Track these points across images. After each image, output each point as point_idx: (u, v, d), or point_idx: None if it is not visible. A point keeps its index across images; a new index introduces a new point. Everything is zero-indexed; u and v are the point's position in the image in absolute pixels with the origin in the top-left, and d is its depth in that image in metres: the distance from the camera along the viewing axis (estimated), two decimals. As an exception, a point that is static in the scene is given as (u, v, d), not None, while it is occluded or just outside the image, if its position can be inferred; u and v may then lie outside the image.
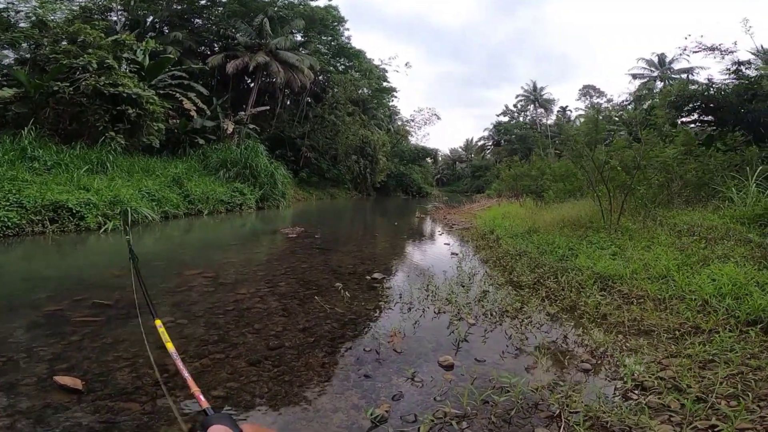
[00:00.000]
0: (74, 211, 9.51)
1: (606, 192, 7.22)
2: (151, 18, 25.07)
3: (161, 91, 19.46)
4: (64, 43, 15.60)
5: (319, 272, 5.83)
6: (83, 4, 22.99)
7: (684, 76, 33.82)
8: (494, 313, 4.12)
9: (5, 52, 17.07)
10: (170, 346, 1.53)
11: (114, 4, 24.28)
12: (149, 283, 4.77)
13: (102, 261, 6.75)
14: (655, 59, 38.16)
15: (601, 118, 8.70)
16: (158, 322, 1.79)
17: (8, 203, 9.11)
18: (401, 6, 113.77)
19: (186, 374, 1.34)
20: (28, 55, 17.43)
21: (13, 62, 17.04)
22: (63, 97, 14.08)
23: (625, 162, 6.75)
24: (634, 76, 39.41)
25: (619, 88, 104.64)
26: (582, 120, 56.44)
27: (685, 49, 14.67)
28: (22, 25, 16.78)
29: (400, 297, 4.62)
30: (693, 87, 12.15)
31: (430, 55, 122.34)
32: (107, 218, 9.91)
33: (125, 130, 15.45)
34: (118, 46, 17.07)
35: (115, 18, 24.56)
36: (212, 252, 7.37)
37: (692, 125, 12.44)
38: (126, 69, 17.25)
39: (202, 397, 1.17)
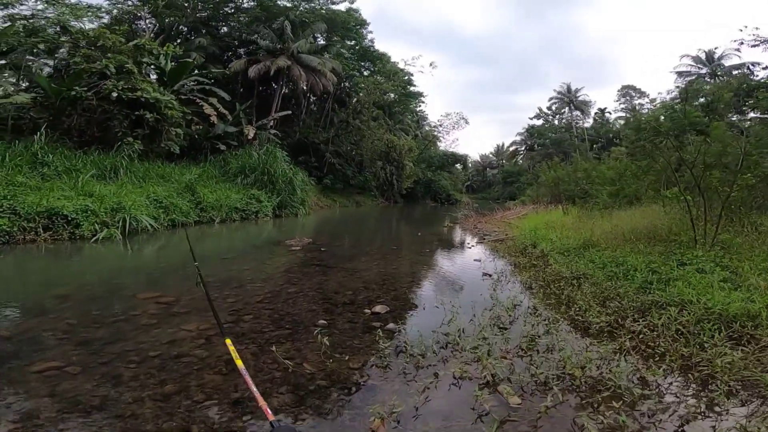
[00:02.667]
0: (69, 219, 8.84)
1: (696, 195, 5.42)
2: (176, 25, 25.15)
3: (183, 97, 19.25)
4: (85, 48, 15.49)
5: (307, 301, 4.47)
6: (115, 15, 23.62)
7: (735, 72, 31.05)
8: (551, 382, 2.57)
9: (29, 58, 17.28)
10: (239, 363, 1.69)
11: (142, 13, 24.68)
12: (86, 309, 3.71)
13: (53, 278, 5.72)
14: (703, 56, 35.08)
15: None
16: (228, 341, 1.90)
17: (0, 209, 8.56)
18: (427, 14, 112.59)
19: (254, 389, 1.49)
20: (50, 62, 17.55)
21: (38, 68, 17.13)
22: (82, 103, 13.91)
23: (726, 154, 4.94)
24: (680, 74, 36.46)
25: (660, 88, 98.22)
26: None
27: (742, 43, 12.63)
28: (49, 31, 16.89)
29: (406, 347, 3.13)
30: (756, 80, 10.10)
31: (457, 62, 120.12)
32: (106, 226, 9.14)
33: (144, 136, 15.19)
34: (139, 51, 16.91)
35: (143, 25, 24.99)
36: (190, 269, 6.15)
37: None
38: (147, 74, 17.09)
39: (269, 410, 1.34)
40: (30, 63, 16.75)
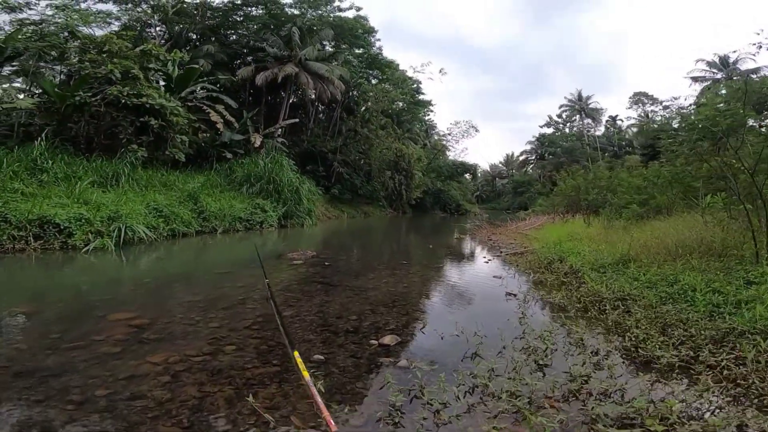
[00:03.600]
0: (62, 227, 8.39)
1: (751, 203, 4.68)
2: (185, 32, 25.17)
3: (189, 104, 19.05)
4: (91, 53, 15.38)
5: (303, 328, 3.79)
6: (125, 22, 23.77)
7: (754, 77, 30.34)
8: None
9: (41, 64, 17.24)
10: (306, 374, 1.90)
11: (152, 20, 24.80)
12: (45, 330, 3.59)
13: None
14: (717, 60, 34.27)
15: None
16: (296, 353, 2.23)
17: (-12, 217, 8.17)
18: (436, 25, 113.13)
19: (318, 399, 1.60)
20: (58, 67, 17.47)
21: (50, 75, 17.04)
22: (89, 109, 13.69)
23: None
24: (695, 79, 35.64)
25: (672, 94, 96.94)
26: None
27: (760, 47, 11.89)
28: (57, 36, 16.83)
29: (422, 391, 2.43)
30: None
31: (465, 72, 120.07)
32: (100, 235, 8.66)
33: (149, 143, 14.93)
34: (145, 57, 16.76)
35: (153, 33, 25.09)
36: (178, 285, 5.60)
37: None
38: (155, 80, 16.91)
39: (332, 420, 1.43)
40: (41, 69, 16.73)
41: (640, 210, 8.27)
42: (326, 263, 7.46)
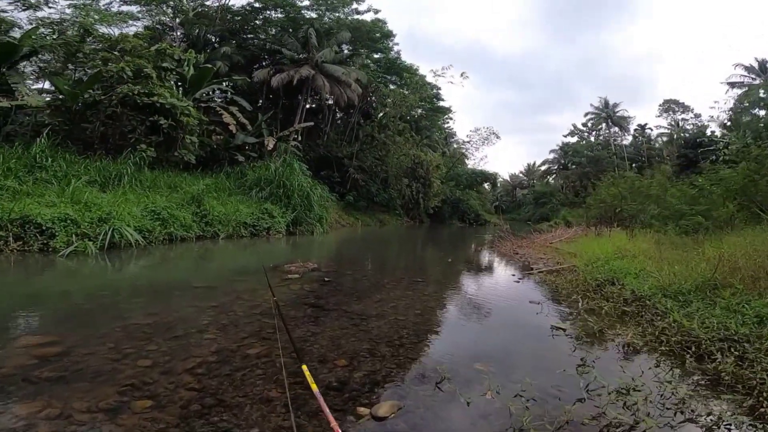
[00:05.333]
0: (44, 228, 7.71)
1: None
2: (204, 34, 25.05)
3: (203, 105, 18.71)
4: (105, 51, 15.23)
5: (265, 379, 2.65)
6: (146, 24, 23.91)
7: None
8: None
9: (57, 64, 17.19)
10: (315, 388, 1.84)
11: (173, 23, 24.84)
12: None
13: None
14: (756, 65, 32.37)
15: None
16: (304, 367, 2.10)
17: (-32, 216, 7.58)
18: (456, 37, 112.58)
19: (328, 412, 1.58)
20: (71, 66, 17.35)
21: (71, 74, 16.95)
22: (102, 108, 13.30)
23: None
24: (732, 85, 33.80)
25: (705, 103, 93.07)
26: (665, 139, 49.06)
27: None
28: (70, 33, 16.77)
29: None
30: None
31: (487, 83, 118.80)
32: (88, 238, 7.97)
33: (158, 143, 14.57)
34: (160, 56, 16.57)
35: (174, 36, 25.13)
36: (138, 302, 4.66)
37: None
38: (174, 81, 16.62)
39: (339, 429, 1.44)
40: (58, 68, 16.68)
41: (706, 223, 6.95)
42: (326, 279, 6.38)
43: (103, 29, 18.29)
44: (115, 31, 19.15)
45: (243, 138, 19.70)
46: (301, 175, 16.10)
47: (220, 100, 22.96)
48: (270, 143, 19.75)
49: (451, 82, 34.51)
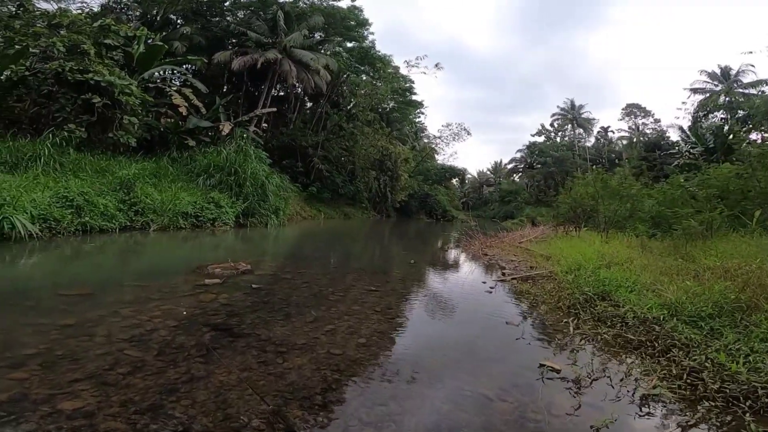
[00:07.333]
0: None
1: None
2: (161, 13, 22.77)
3: (151, 85, 16.87)
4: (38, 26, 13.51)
5: None
6: (104, 2, 21.59)
7: (753, 90, 30.06)
8: None
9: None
10: None
11: (129, 1, 22.40)
12: None
13: None
14: (719, 72, 33.97)
15: None
16: None
17: None
18: (437, 33, 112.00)
19: None
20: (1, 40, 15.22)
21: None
22: (26, 84, 12.10)
23: None
24: (694, 91, 35.35)
25: (664, 107, 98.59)
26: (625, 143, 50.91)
27: None
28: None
29: None
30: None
31: (461, 82, 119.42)
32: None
33: (92, 124, 13.00)
34: (103, 32, 14.90)
35: (131, 15, 22.75)
36: None
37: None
38: (117, 58, 14.91)
39: None
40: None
41: (699, 228, 6.45)
42: (254, 286, 5.13)
43: (45, 5, 16.09)
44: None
45: (196, 122, 18.06)
46: (256, 163, 14.72)
47: (179, 83, 21.03)
48: (225, 128, 18.17)
49: (424, 73, 33.62)
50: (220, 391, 2.44)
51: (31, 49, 12.02)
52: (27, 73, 12.24)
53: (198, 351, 3.00)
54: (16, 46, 12.06)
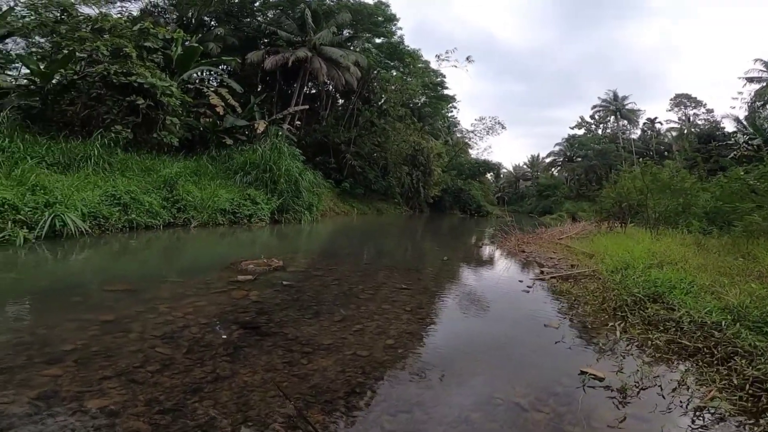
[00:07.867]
0: (-34, 214, 6.71)
1: None
2: (196, 15, 23.74)
3: (190, 86, 17.62)
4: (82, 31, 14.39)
5: None
6: (142, 7, 22.86)
7: None
8: None
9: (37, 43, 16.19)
10: None
11: (165, 4, 23.58)
12: None
13: None
14: None
15: None
16: None
17: None
18: (465, 29, 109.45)
19: None
20: (50, 46, 16.38)
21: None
22: (81, 88, 12.59)
23: None
24: (750, 80, 32.28)
25: (717, 98, 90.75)
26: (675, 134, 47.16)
27: None
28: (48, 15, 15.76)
29: None
30: None
31: (495, 75, 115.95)
32: (25, 225, 6.94)
33: (137, 125, 13.73)
34: (143, 36, 15.66)
35: (168, 18, 23.94)
36: None
37: None
38: (158, 61, 15.69)
39: None
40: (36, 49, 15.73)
41: (764, 224, 5.79)
42: (285, 283, 5.10)
43: (87, 10, 17.20)
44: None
45: (232, 121, 18.66)
46: (289, 160, 14.98)
47: (216, 83, 21.86)
48: (261, 126, 18.65)
49: (455, 66, 32.74)
50: (243, 392, 2.40)
51: (77, 54, 12.60)
52: (76, 76, 12.87)
53: (225, 350, 2.99)
54: (64, 51, 12.84)
